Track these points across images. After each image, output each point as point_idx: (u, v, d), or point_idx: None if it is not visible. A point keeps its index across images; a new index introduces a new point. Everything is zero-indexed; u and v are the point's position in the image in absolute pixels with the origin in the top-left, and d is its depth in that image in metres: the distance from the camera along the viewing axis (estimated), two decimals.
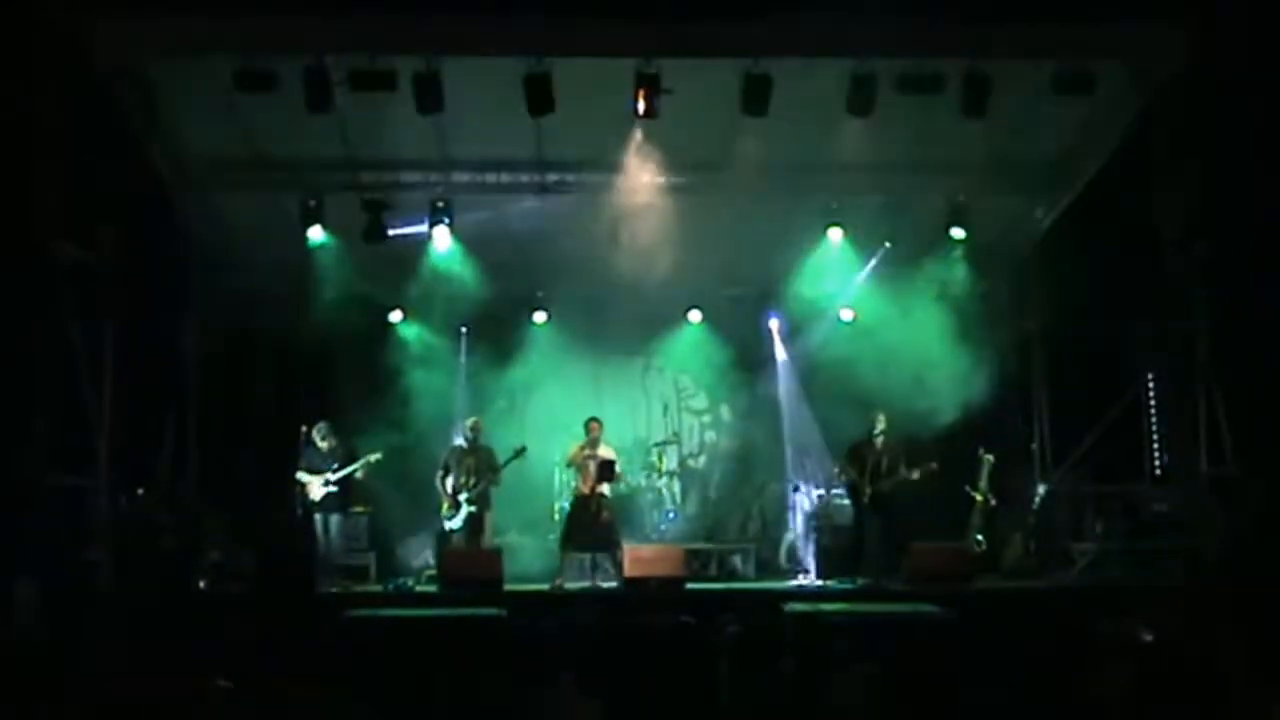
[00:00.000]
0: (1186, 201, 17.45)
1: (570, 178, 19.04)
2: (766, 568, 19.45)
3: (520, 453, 17.94)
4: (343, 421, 18.50)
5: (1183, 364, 17.87)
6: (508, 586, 16.11)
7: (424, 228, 19.25)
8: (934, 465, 17.35)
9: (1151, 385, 19.40)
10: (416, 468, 19.06)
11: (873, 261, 19.99)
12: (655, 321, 21.46)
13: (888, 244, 19.66)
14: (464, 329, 21.03)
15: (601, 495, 17.36)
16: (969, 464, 18.51)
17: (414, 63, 15.89)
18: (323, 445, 17.67)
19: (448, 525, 17.71)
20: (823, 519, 19.20)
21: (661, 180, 17.97)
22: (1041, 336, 20.48)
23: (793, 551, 19.53)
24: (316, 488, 17.46)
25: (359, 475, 17.55)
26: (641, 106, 16.38)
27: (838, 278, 20.34)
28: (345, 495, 17.71)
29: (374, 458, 17.69)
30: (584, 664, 8.09)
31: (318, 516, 17.46)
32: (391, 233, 19.12)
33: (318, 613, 14.36)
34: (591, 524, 17.23)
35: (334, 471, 17.52)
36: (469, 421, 18.30)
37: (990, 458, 18.48)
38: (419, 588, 17.31)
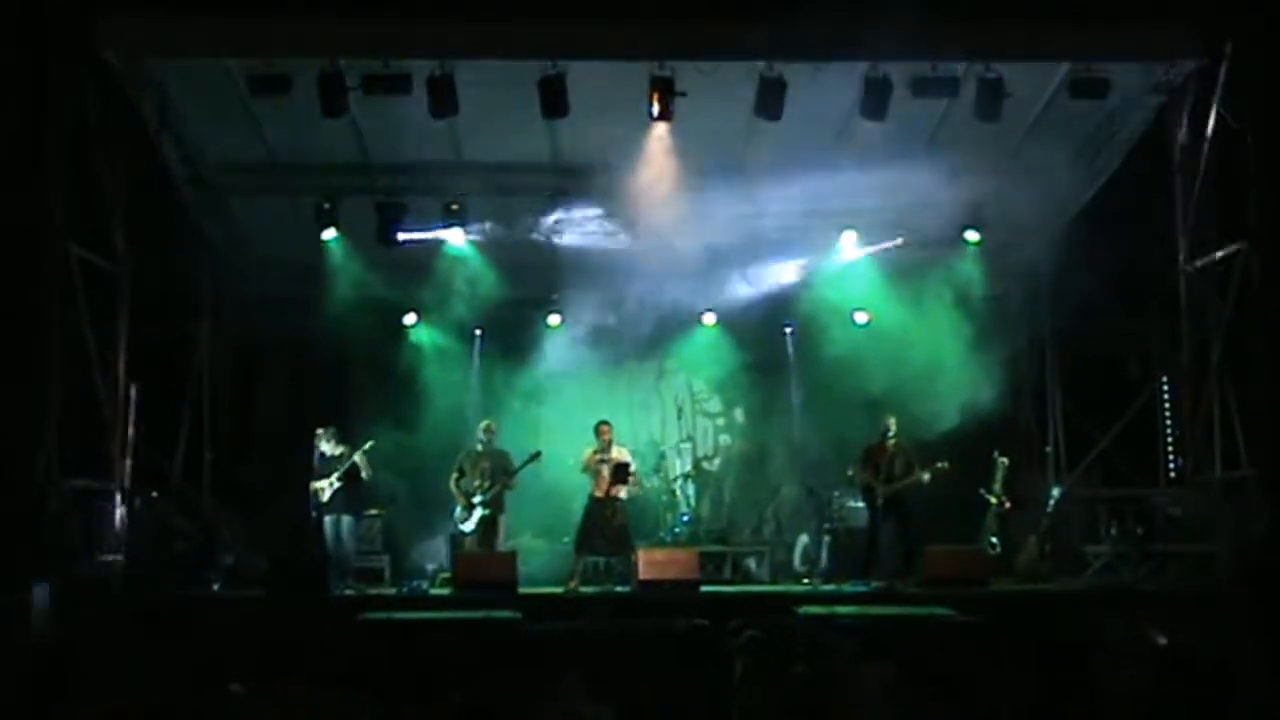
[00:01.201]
0: (1200, 203, 17.44)
1: (584, 180, 19.01)
2: (780, 570, 19.41)
3: (535, 458, 17.90)
4: (356, 424, 18.50)
5: (1197, 367, 17.85)
6: (521, 589, 16.09)
7: (438, 231, 19.26)
8: (945, 464, 17.32)
9: (1165, 388, 19.38)
10: (430, 470, 19.05)
11: (882, 245, 19.93)
12: (670, 324, 21.41)
13: (900, 239, 19.62)
14: (478, 331, 21.00)
15: (615, 498, 17.32)
16: (983, 467, 18.48)
17: (428, 66, 15.92)
18: (328, 450, 17.64)
19: (461, 528, 17.69)
20: (836, 521, 19.21)
21: (676, 182, 17.93)
22: (1056, 339, 20.44)
23: (807, 554, 19.49)
24: (325, 491, 17.44)
25: (362, 469, 17.46)
26: (656, 109, 16.41)
27: (852, 280, 20.31)
28: (356, 496, 17.68)
29: (367, 446, 17.63)
30: (598, 667, 8.08)
31: (329, 518, 17.44)
32: (404, 237, 19.12)
33: (331, 615, 14.37)
34: (605, 527, 17.20)
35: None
36: (483, 424, 18.25)
37: (1004, 461, 18.46)
38: (433, 591, 17.30)
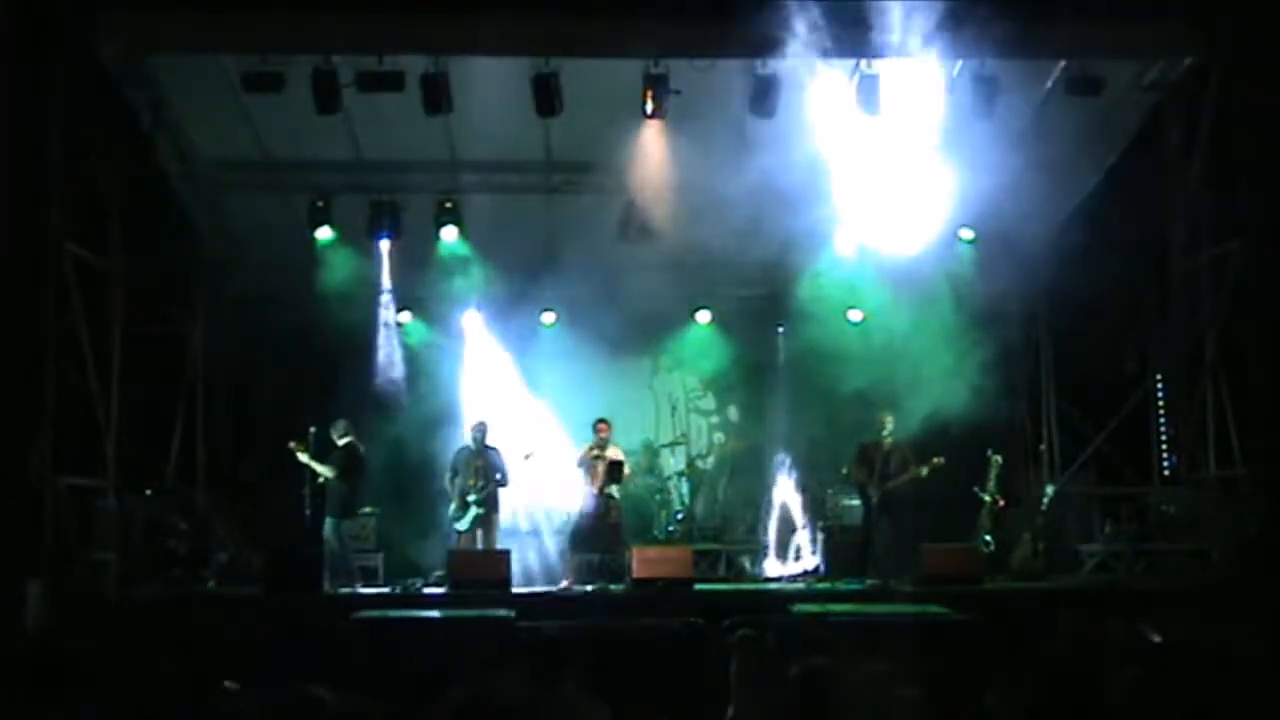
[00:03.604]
0: (1195, 202, 17.45)
1: (578, 178, 19.02)
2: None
3: (529, 457, 17.94)
4: (349, 421, 18.50)
5: (1191, 365, 17.87)
6: (515, 588, 16.10)
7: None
8: (940, 460, 17.32)
9: (1160, 386, 19.39)
10: (424, 469, 19.06)
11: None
12: (664, 322, 21.44)
13: None
14: (472, 329, 20.97)
15: (610, 496, 17.33)
16: (977, 465, 18.48)
17: (422, 63, 15.91)
18: (338, 441, 17.66)
19: (455, 526, 17.70)
20: (831, 519, 19.23)
21: (669, 179, 17.92)
22: (1050, 337, 20.45)
23: (800, 552, 19.53)
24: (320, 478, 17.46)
25: (317, 471, 17.46)
26: (650, 107, 16.43)
27: (846, 278, 20.27)
28: (337, 497, 17.65)
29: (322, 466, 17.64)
30: (591, 665, 8.07)
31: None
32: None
33: (326, 613, 14.37)
34: (599, 525, 17.20)
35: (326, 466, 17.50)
36: (476, 422, 18.27)
37: (998, 459, 18.45)
38: (426, 589, 17.29)
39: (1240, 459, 16.93)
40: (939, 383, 18.61)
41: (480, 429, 18.08)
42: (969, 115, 16.54)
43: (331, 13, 15.45)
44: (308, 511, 17.43)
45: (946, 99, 16.56)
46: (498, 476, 17.71)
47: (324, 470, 17.43)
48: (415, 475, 19.32)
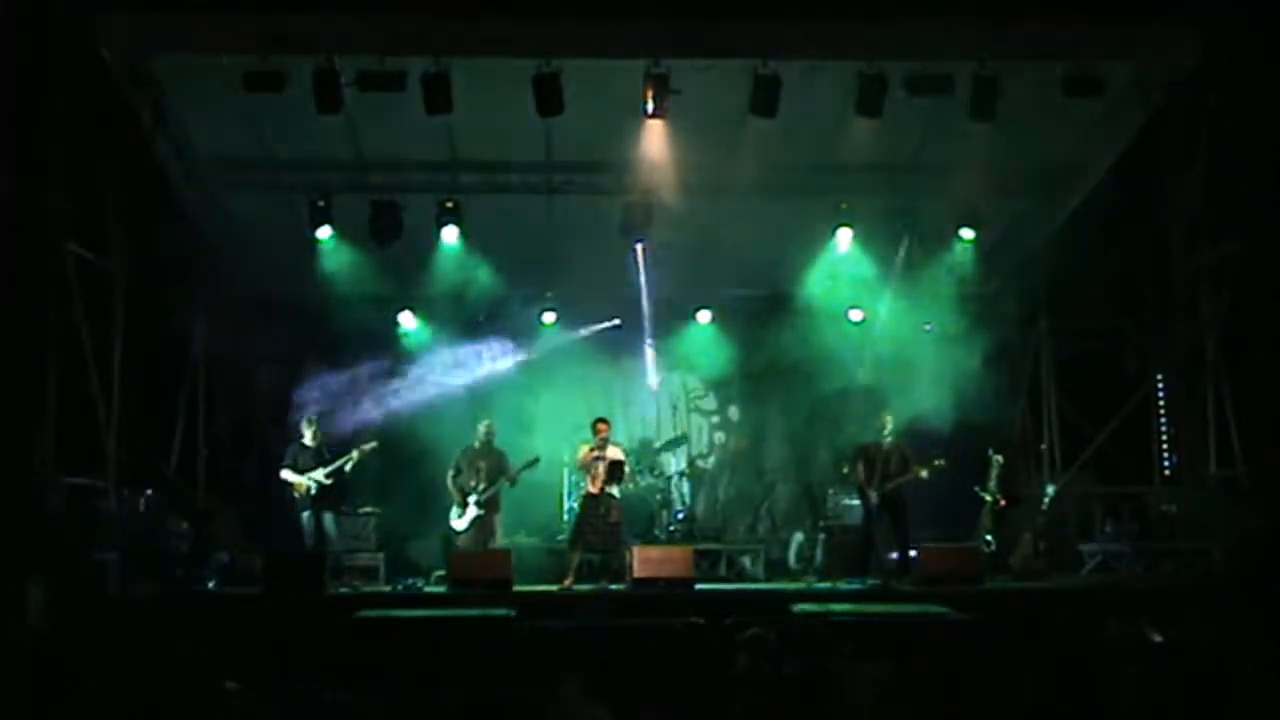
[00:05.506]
0: (1196, 202, 17.45)
1: (579, 178, 19.01)
2: (775, 568, 19.41)
3: (533, 463, 17.95)
4: (351, 421, 18.49)
5: (1192, 364, 17.86)
6: (516, 587, 16.09)
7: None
8: (941, 461, 17.31)
9: (1160, 386, 19.38)
10: (426, 468, 19.05)
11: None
12: (665, 321, 21.42)
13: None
14: (473, 329, 20.97)
15: (611, 496, 17.29)
16: (978, 464, 18.46)
17: (423, 63, 15.89)
18: (310, 440, 17.64)
19: (455, 526, 17.69)
20: (831, 519, 19.23)
21: (670, 180, 17.91)
22: (1051, 336, 20.44)
23: (801, 552, 19.52)
24: (311, 486, 17.39)
25: (349, 465, 17.45)
26: (650, 107, 16.41)
27: (847, 278, 20.26)
28: (340, 492, 17.64)
29: (368, 447, 17.67)
30: (592, 665, 8.08)
31: (306, 514, 17.41)
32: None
33: (327, 613, 14.37)
34: (600, 525, 17.17)
35: (326, 465, 17.44)
36: (483, 424, 18.21)
37: (999, 458, 18.41)
38: (428, 588, 17.28)
39: (1240, 459, 16.93)
40: (939, 382, 18.64)
41: (487, 430, 18.09)
42: (969, 115, 16.51)
43: (332, 13, 15.46)
44: (307, 511, 17.42)
45: (949, 98, 16.54)
46: (503, 478, 17.75)
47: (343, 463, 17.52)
48: (415, 475, 19.30)
